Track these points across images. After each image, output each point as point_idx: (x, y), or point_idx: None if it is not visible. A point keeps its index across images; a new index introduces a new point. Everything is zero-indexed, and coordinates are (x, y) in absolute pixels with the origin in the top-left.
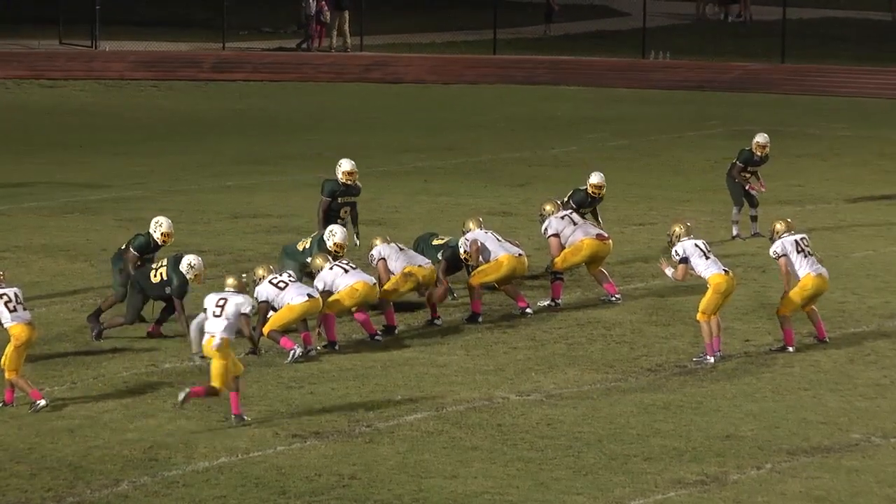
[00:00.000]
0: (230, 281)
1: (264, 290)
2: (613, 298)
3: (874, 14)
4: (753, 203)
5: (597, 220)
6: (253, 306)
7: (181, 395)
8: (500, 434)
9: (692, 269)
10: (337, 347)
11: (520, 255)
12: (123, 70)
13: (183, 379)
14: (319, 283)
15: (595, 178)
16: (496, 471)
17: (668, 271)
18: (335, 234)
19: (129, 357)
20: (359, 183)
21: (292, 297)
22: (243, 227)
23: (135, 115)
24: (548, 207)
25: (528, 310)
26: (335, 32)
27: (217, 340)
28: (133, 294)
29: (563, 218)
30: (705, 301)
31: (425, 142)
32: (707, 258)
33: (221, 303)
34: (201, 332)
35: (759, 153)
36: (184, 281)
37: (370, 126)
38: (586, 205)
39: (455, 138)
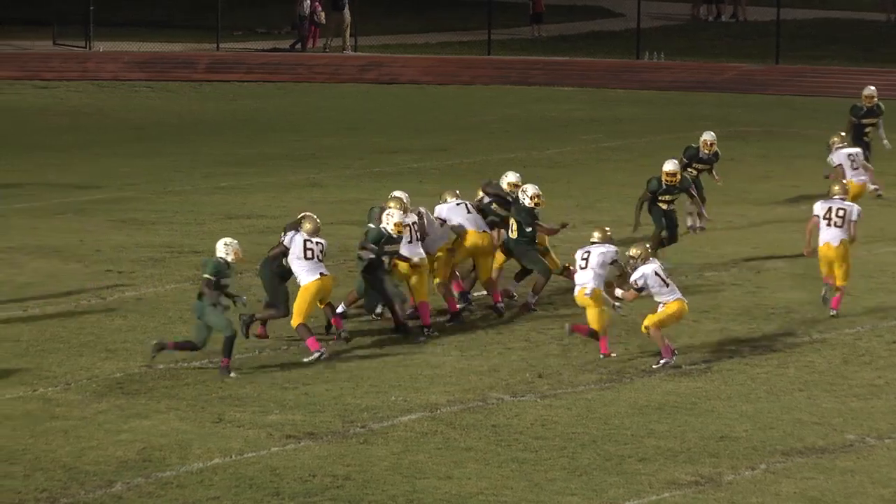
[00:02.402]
0: (596, 234)
1: (296, 241)
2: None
3: (868, 15)
4: (701, 198)
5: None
6: (616, 255)
7: (568, 326)
8: (494, 435)
9: (647, 293)
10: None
11: (483, 231)
12: (117, 71)
13: (178, 380)
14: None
15: (668, 165)
16: (490, 472)
17: (619, 292)
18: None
19: (123, 358)
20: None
21: (306, 277)
22: (237, 228)
23: (129, 116)
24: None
25: (499, 305)
26: (330, 34)
27: (588, 290)
28: (277, 284)
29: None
30: (659, 318)
31: (420, 142)
32: (667, 285)
33: (586, 255)
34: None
35: (706, 150)
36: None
37: (365, 127)
38: (663, 191)
39: (450, 139)
